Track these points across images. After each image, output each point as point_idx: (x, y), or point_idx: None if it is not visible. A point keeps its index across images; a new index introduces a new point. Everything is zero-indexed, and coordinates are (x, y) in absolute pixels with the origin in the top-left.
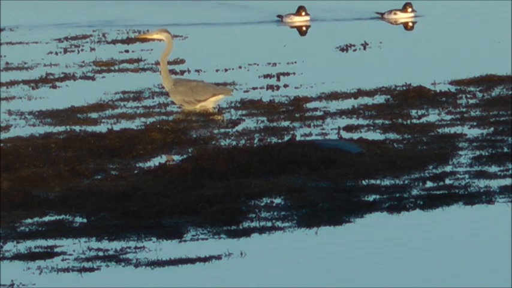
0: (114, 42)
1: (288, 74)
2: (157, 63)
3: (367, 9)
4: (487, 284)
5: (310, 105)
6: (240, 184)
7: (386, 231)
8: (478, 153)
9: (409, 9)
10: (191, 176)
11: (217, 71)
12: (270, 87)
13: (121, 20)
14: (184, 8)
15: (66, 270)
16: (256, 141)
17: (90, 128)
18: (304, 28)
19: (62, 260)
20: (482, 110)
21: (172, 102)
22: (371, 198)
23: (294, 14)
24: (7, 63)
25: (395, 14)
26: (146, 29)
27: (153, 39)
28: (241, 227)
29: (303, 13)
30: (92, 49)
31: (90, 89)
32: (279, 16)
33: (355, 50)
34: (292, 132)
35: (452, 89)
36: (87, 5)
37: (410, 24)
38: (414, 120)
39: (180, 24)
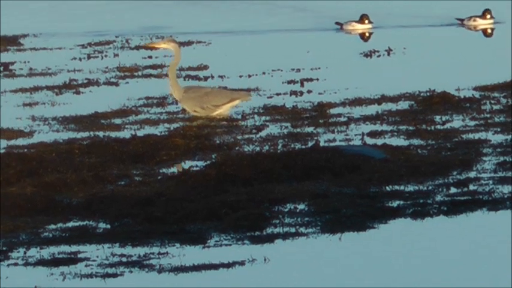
0: (137, 48)
1: (311, 79)
2: (165, 71)
3: (445, 15)
4: None
5: (333, 111)
6: (263, 190)
7: (410, 237)
8: (502, 159)
9: (488, 16)
10: (214, 181)
11: (240, 76)
12: (293, 93)
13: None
14: (240, 12)
15: (90, 276)
16: (279, 147)
17: (113, 134)
18: (367, 35)
19: (86, 265)
20: (507, 116)
21: (184, 110)
22: (395, 204)
23: (356, 22)
24: (31, 68)
25: (474, 20)
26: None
27: (161, 49)
28: (264, 233)
29: (366, 21)
30: (116, 55)
31: (113, 94)
32: (338, 23)
33: (379, 56)
34: (315, 138)
35: (477, 94)
36: (112, 12)
37: (489, 30)
38: (438, 126)
39: (220, 32)
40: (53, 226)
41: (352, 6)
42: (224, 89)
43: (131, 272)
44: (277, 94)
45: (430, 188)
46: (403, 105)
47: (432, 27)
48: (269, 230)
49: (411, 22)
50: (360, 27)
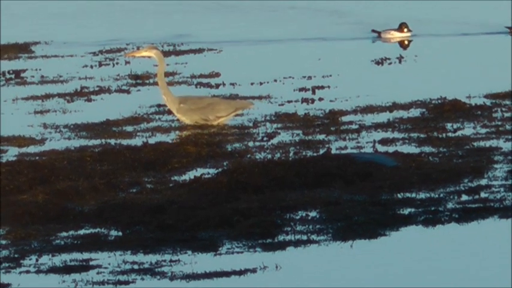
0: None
1: (323, 87)
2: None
3: (497, 23)
4: None
5: (345, 118)
6: (275, 197)
7: (421, 245)
8: None
9: (405, 29)
10: (226, 189)
11: (252, 84)
12: (305, 100)
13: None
14: (276, 21)
15: (102, 283)
16: (291, 154)
17: (125, 142)
18: (406, 42)
19: (97, 273)
20: None
21: (177, 120)
22: (406, 211)
23: (395, 30)
24: (42, 76)
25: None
26: (180, 42)
27: (143, 57)
28: (276, 240)
29: (405, 29)
30: (127, 62)
31: (125, 102)
32: (375, 31)
33: (390, 64)
34: (327, 145)
35: (488, 102)
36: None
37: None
38: (449, 134)
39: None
40: (64, 233)
41: (389, 13)
42: (222, 97)
43: (143, 279)
44: (289, 101)
45: (441, 195)
46: (415, 112)
47: (471, 35)
48: (281, 238)
49: (451, 30)
50: (399, 36)
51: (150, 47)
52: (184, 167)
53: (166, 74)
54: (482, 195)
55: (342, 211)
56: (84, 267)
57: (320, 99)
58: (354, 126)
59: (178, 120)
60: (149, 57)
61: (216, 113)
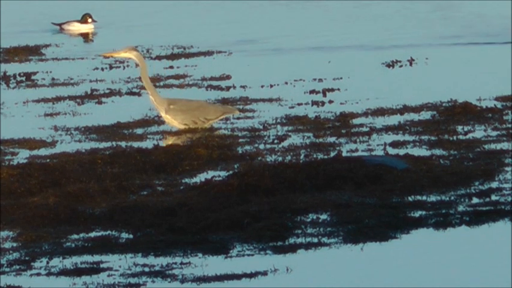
0: (158, 58)
1: (333, 90)
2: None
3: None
4: None
5: (356, 121)
6: (286, 200)
7: (432, 248)
8: None
9: (90, 20)
10: (237, 191)
11: (262, 86)
12: (315, 103)
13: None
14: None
15: (112, 286)
16: (302, 157)
17: (136, 144)
18: None
19: (108, 275)
20: None
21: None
22: (417, 214)
23: (78, 21)
24: (53, 79)
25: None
26: (189, 45)
27: (122, 58)
28: (287, 243)
29: (89, 20)
30: (137, 65)
31: (135, 104)
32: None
33: (401, 66)
34: (338, 148)
35: (498, 105)
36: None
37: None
38: (460, 137)
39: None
40: (75, 236)
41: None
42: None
43: (154, 282)
44: (299, 104)
45: (452, 198)
46: (425, 115)
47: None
48: (291, 240)
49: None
50: (83, 28)
51: (130, 48)
52: (195, 170)
53: (177, 77)
54: (493, 198)
55: (352, 214)
56: (94, 269)
57: (330, 101)
58: (364, 129)
59: (164, 122)
60: (129, 58)
61: (206, 115)
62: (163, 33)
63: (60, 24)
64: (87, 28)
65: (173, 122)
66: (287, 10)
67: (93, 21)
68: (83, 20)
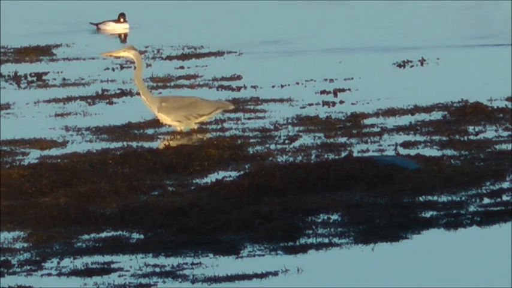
0: (169, 58)
1: (344, 90)
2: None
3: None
4: None
5: (367, 121)
6: (297, 200)
7: (443, 248)
8: None
9: (122, 20)
10: (248, 192)
11: (273, 87)
12: (326, 103)
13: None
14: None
15: (123, 286)
16: (313, 157)
17: (147, 144)
18: None
19: (119, 276)
20: None
21: (156, 118)
22: (428, 214)
23: (113, 21)
24: (64, 79)
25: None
26: (200, 45)
27: (120, 57)
28: (298, 243)
29: (122, 19)
30: (148, 65)
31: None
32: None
33: (412, 66)
34: (349, 148)
35: (510, 105)
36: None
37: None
38: (471, 137)
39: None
40: (86, 236)
41: None
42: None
43: (164, 282)
44: (310, 104)
45: (463, 198)
46: (436, 115)
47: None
48: (302, 241)
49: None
50: (119, 27)
51: (129, 47)
52: (206, 170)
53: (188, 77)
54: (504, 198)
55: (363, 214)
56: (105, 270)
57: (341, 102)
58: (375, 129)
59: (158, 120)
60: (128, 57)
61: (199, 111)
62: (173, 34)
63: (97, 24)
64: (122, 28)
65: (166, 119)
66: (313, 10)
67: (125, 21)
68: (118, 20)
